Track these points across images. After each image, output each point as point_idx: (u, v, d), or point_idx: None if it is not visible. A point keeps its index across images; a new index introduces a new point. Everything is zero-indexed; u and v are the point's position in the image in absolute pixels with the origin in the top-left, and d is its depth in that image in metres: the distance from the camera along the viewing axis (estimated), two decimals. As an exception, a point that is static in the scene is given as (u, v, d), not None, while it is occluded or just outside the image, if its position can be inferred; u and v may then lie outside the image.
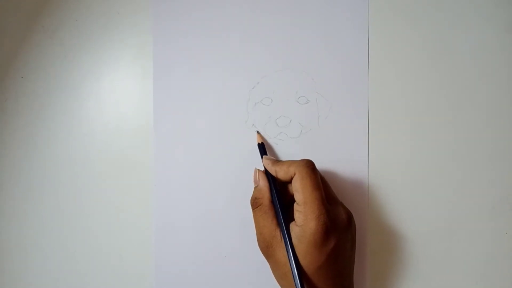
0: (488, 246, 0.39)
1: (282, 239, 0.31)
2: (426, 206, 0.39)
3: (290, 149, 0.39)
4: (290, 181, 0.33)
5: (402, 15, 0.39)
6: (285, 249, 0.31)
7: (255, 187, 0.35)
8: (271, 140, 0.39)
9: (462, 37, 0.39)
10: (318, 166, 0.34)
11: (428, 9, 0.39)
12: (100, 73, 0.40)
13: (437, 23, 0.39)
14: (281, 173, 0.33)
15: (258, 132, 0.38)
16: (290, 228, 0.31)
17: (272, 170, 0.34)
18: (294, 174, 0.32)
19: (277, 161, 0.35)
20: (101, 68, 0.40)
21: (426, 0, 0.39)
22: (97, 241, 0.40)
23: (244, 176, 0.39)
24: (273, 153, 0.39)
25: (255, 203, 0.34)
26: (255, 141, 0.39)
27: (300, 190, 0.31)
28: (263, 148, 0.37)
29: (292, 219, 0.32)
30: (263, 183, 0.34)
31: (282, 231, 0.32)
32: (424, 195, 0.39)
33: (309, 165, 0.32)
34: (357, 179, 0.39)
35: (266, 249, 0.32)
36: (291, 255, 0.30)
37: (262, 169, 0.36)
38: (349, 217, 0.33)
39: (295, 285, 0.29)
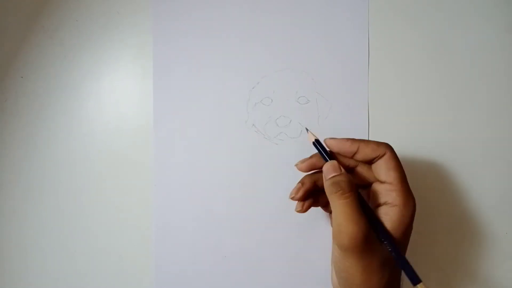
0: (488, 246, 0.39)
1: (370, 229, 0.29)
2: (426, 206, 0.39)
3: (290, 149, 0.39)
4: (364, 161, 0.32)
5: (402, 15, 0.39)
6: (377, 241, 0.29)
7: (338, 174, 0.31)
8: (271, 140, 0.39)
9: (462, 37, 0.39)
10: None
11: (428, 8, 0.39)
12: (100, 73, 0.40)
13: (437, 23, 0.39)
14: (367, 149, 0.31)
15: (307, 129, 0.34)
16: (381, 213, 0.30)
17: (354, 146, 0.31)
18: (385, 154, 0.31)
19: (354, 138, 0.32)
20: (101, 68, 0.40)
21: (426, 0, 0.39)
22: (97, 241, 0.40)
23: (244, 176, 0.39)
24: (274, 153, 0.39)
25: (348, 186, 0.29)
26: (255, 140, 0.39)
27: (397, 169, 0.30)
28: (320, 145, 0.33)
29: None
30: (345, 171, 0.31)
31: (375, 221, 0.29)
32: (424, 195, 0.39)
33: (393, 149, 0.32)
34: (357, 179, 0.39)
35: (365, 240, 0.28)
36: (395, 246, 0.28)
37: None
38: None
39: (408, 273, 0.28)
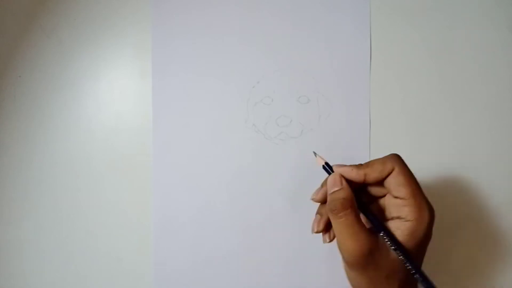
0: (488, 246, 0.39)
1: (382, 241, 0.29)
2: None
3: (290, 149, 0.38)
4: (377, 182, 0.31)
5: (404, 15, 0.39)
6: (388, 250, 0.29)
7: (335, 191, 0.31)
8: (271, 140, 0.39)
9: (464, 37, 0.39)
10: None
11: (430, 8, 0.39)
12: (99, 72, 0.40)
13: (439, 22, 0.39)
14: (374, 173, 0.30)
15: (315, 153, 0.33)
16: (393, 226, 0.29)
17: (360, 174, 0.30)
18: (393, 170, 0.30)
19: (359, 164, 0.31)
20: (100, 67, 0.40)
21: (428, 0, 0.39)
22: (96, 241, 0.40)
23: (244, 176, 0.39)
24: (274, 153, 0.39)
25: (342, 205, 0.29)
26: (255, 140, 0.38)
27: (407, 183, 0.29)
28: (330, 167, 0.32)
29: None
30: (347, 186, 0.30)
31: (383, 232, 0.29)
32: (426, 194, 0.38)
33: (402, 159, 0.30)
34: (359, 179, 0.38)
35: (366, 257, 0.28)
36: (406, 255, 0.28)
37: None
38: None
39: (420, 276, 0.28)
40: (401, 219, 0.29)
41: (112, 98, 0.40)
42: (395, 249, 0.28)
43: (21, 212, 0.40)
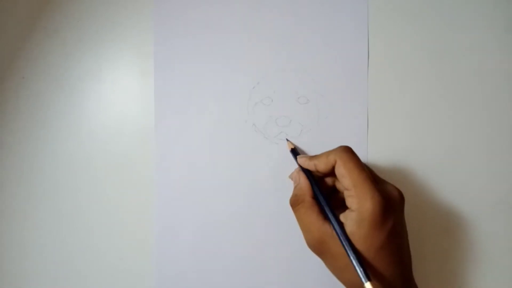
0: (488, 246, 0.39)
1: (334, 231, 0.30)
2: (425, 205, 0.39)
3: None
4: (329, 173, 0.33)
5: (402, 15, 0.39)
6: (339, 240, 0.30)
7: (295, 186, 0.35)
8: (271, 140, 0.39)
9: (461, 37, 0.39)
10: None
11: (428, 8, 0.39)
12: (102, 73, 0.40)
13: (437, 23, 0.39)
14: (321, 165, 0.32)
15: (287, 139, 0.39)
16: (342, 217, 0.30)
17: (311, 164, 0.33)
18: (335, 162, 0.31)
19: (313, 156, 0.34)
20: (103, 68, 0.40)
21: (426, 0, 0.39)
22: (97, 242, 0.40)
23: (244, 176, 0.39)
24: (274, 153, 0.39)
25: (296, 200, 0.33)
26: (255, 140, 0.39)
27: (347, 174, 0.30)
28: (295, 153, 0.37)
29: (337, 211, 0.31)
30: (304, 180, 0.34)
31: (332, 223, 0.30)
32: (423, 195, 0.39)
33: (348, 150, 0.32)
34: (357, 179, 0.39)
35: (319, 246, 0.31)
36: (348, 245, 0.29)
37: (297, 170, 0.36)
38: (400, 193, 0.32)
39: (358, 272, 0.28)
40: (350, 210, 0.30)
41: (115, 99, 0.40)
42: (340, 240, 0.29)
43: (23, 211, 0.41)
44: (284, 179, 0.39)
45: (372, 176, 0.30)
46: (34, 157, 0.41)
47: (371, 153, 0.39)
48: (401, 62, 0.39)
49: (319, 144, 0.39)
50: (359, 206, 0.29)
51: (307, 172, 0.34)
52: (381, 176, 0.34)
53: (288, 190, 0.39)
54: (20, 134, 0.41)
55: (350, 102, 0.39)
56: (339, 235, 0.29)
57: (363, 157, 0.38)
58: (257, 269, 0.39)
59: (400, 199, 0.31)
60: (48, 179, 0.41)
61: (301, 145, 0.39)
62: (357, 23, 0.39)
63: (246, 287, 0.39)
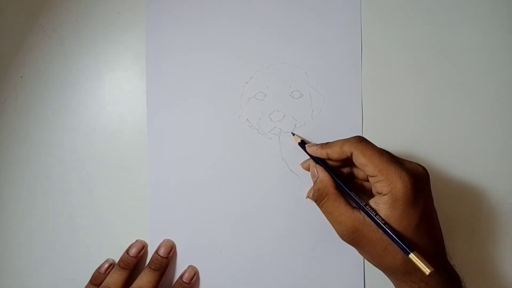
0: (488, 246, 0.38)
1: (366, 217, 0.30)
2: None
3: (284, 144, 0.39)
4: (342, 161, 0.33)
5: (395, 10, 0.39)
6: (375, 225, 0.30)
7: (315, 181, 0.34)
8: (264, 135, 0.39)
9: (461, 36, 0.39)
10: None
11: (421, 3, 0.39)
12: (100, 73, 0.41)
13: (431, 18, 0.39)
14: (334, 154, 0.32)
15: (293, 133, 0.38)
16: (373, 203, 0.31)
17: (323, 153, 0.33)
18: (351, 154, 0.31)
19: (323, 144, 0.34)
20: (101, 68, 0.41)
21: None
22: (93, 239, 0.40)
23: (238, 171, 0.39)
24: (267, 148, 0.39)
25: (320, 195, 0.32)
26: (249, 135, 0.39)
27: (368, 162, 0.30)
28: (304, 145, 0.36)
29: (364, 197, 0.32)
30: (323, 173, 0.33)
31: (364, 208, 0.30)
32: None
33: (362, 139, 0.32)
34: (352, 174, 0.38)
35: (354, 235, 0.31)
36: (385, 223, 0.29)
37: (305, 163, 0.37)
38: (425, 169, 0.32)
39: (401, 248, 0.28)
40: (380, 194, 0.30)
41: (113, 98, 0.41)
42: (375, 222, 0.30)
43: (20, 211, 0.41)
44: (279, 174, 0.38)
45: (393, 158, 0.31)
46: (32, 156, 0.41)
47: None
48: (394, 56, 0.39)
49: (313, 138, 0.38)
50: (390, 188, 0.29)
51: (323, 163, 0.34)
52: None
53: (282, 183, 0.38)
54: (18, 133, 0.41)
55: (344, 96, 0.39)
56: (374, 217, 0.29)
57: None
58: (253, 263, 0.39)
59: (425, 174, 0.32)
60: (45, 178, 0.41)
61: (295, 140, 0.39)
62: (350, 17, 0.39)
63: (241, 282, 0.39)
